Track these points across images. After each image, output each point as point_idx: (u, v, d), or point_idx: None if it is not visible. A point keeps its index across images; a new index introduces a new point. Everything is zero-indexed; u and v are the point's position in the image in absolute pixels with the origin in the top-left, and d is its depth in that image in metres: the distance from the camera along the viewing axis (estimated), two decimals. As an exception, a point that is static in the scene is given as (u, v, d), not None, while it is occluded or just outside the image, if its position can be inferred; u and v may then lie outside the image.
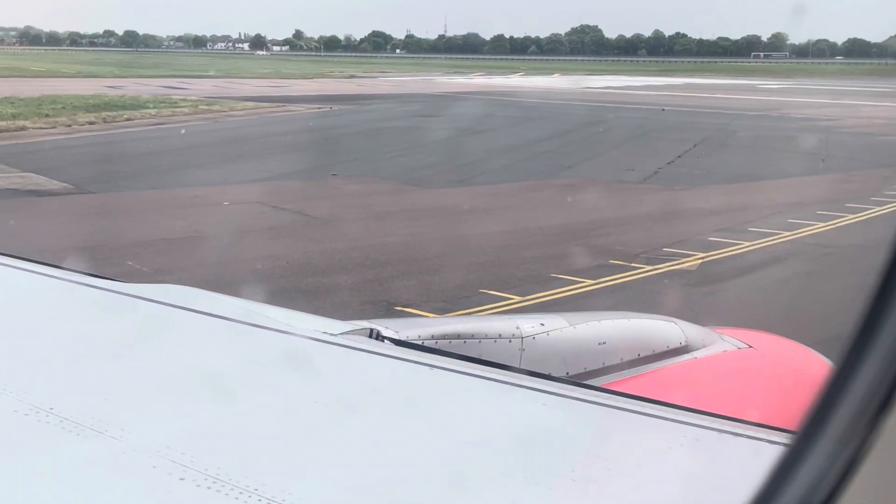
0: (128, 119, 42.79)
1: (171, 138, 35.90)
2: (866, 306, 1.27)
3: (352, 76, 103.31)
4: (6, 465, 2.09)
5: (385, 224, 18.93)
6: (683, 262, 15.50)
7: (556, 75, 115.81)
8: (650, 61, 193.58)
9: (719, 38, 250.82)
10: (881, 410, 1.23)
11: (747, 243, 17.04)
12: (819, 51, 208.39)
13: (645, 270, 14.95)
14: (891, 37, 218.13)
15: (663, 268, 15.19)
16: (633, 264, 15.28)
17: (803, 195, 23.09)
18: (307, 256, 15.55)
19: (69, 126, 38.89)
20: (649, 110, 53.72)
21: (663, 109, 54.02)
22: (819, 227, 18.70)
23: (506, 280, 14.16)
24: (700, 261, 15.63)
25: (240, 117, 47.09)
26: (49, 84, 65.42)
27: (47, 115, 41.24)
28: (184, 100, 55.19)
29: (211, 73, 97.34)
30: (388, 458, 2.17)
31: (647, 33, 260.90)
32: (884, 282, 1.27)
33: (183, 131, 38.08)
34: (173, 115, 45.97)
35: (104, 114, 43.55)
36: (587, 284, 13.93)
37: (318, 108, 53.51)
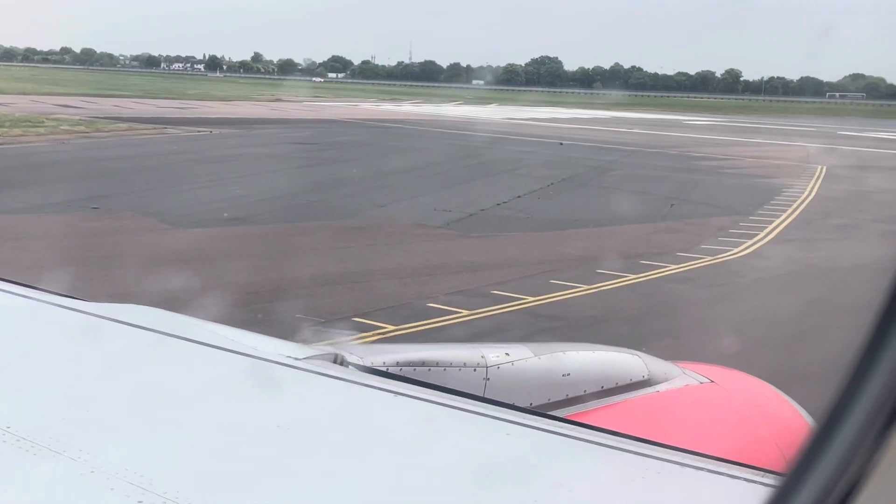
0: (-41, 139, 39.31)
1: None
2: (859, 350, 1.29)
3: (278, 99, 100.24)
4: None
5: (51, 273, 15.65)
6: (355, 338, 12.40)
7: (492, 105, 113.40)
8: (626, 94, 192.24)
9: (678, 74, 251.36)
10: (871, 457, 1.24)
11: (465, 312, 14.04)
12: (772, 88, 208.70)
13: (289, 350, 11.78)
14: (845, 76, 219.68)
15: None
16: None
17: (606, 247, 20.21)
18: None
19: None
20: (546, 144, 51.05)
21: (561, 143, 51.39)
22: (578, 290, 15.77)
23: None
24: (378, 336, 12.54)
25: (97, 139, 43.83)
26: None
27: None
28: (56, 119, 51.79)
29: (129, 93, 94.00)
30: (350, 485, 2.14)
31: (608, 66, 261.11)
32: (878, 324, 1.29)
33: (6, 153, 34.78)
34: (22, 135, 42.53)
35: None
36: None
37: (198, 132, 50.47)
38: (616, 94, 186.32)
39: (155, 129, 50.71)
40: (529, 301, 14.92)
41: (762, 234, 22.27)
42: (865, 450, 1.25)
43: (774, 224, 24.03)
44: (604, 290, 16.00)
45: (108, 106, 70.21)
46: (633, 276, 17.08)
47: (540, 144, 50.85)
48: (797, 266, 18.85)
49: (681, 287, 16.49)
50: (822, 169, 40.75)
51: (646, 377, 3.83)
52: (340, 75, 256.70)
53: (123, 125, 50.93)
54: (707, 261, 18.83)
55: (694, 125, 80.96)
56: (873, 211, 27.61)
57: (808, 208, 27.73)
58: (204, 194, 26.43)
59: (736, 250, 20.09)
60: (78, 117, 55.42)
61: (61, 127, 46.99)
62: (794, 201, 28.87)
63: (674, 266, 18.15)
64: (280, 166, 35.11)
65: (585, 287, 16.08)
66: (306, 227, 21.57)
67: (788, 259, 19.43)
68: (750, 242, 21.14)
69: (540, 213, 25.56)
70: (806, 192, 31.45)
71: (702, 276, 17.49)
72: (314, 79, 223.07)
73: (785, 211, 26.66)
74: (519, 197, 28.24)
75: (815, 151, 52.09)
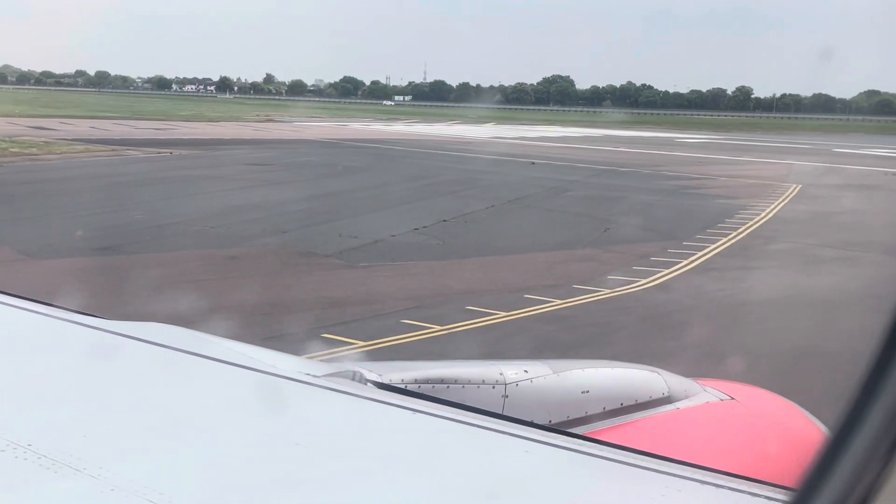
0: None
1: None
2: (868, 365, 1.30)
3: (269, 119, 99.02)
4: None
5: None
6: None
7: (489, 124, 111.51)
8: (642, 113, 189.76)
9: (690, 91, 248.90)
10: (880, 474, 1.26)
11: (268, 361, 11.93)
12: (784, 105, 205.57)
13: None
14: (860, 93, 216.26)
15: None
16: None
17: (500, 279, 18.20)
18: None
19: None
20: (518, 163, 48.99)
21: (533, 163, 49.36)
22: (424, 333, 13.77)
23: None
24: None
25: (42, 161, 42.23)
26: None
27: None
28: (15, 141, 50.37)
29: (118, 115, 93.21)
30: (368, 503, 2.14)
31: (621, 84, 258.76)
32: (886, 342, 1.29)
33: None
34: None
35: None
36: None
37: (157, 153, 48.84)
38: (622, 112, 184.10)
39: (113, 150, 49.19)
40: (356, 346, 12.87)
41: (684, 263, 20.09)
42: (876, 464, 1.25)
43: (706, 251, 21.84)
44: (454, 331, 13.94)
45: (84, 128, 68.94)
46: (502, 314, 15.02)
47: (510, 164, 48.80)
48: (698, 301, 16.66)
49: (545, 328, 14.36)
50: (795, 188, 38.53)
51: (665, 394, 3.76)
52: (408, 98, 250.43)
53: (80, 147, 49.46)
54: (601, 294, 16.72)
55: (685, 143, 78.60)
56: (825, 235, 25.34)
57: (754, 232, 25.51)
58: (98, 220, 24.57)
59: (643, 281, 17.94)
60: (42, 139, 54.10)
61: (10, 149, 45.52)
62: (744, 224, 26.65)
63: (559, 301, 16.04)
64: (212, 188, 33.25)
65: (437, 328, 14.06)
66: (175, 257, 19.62)
67: (694, 293, 17.26)
68: (665, 272, 18.98)
69: (456, 239, 23.52)
70: (762, 214, 29.19)
71: (581, 313, 15.35)
72: (385, 102, 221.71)
73: (727, 235, 24.45)
74: (444, 221, 26.21)
75: (799, 169, 49.74)
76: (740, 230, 25.56)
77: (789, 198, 34.83)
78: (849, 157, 61.63)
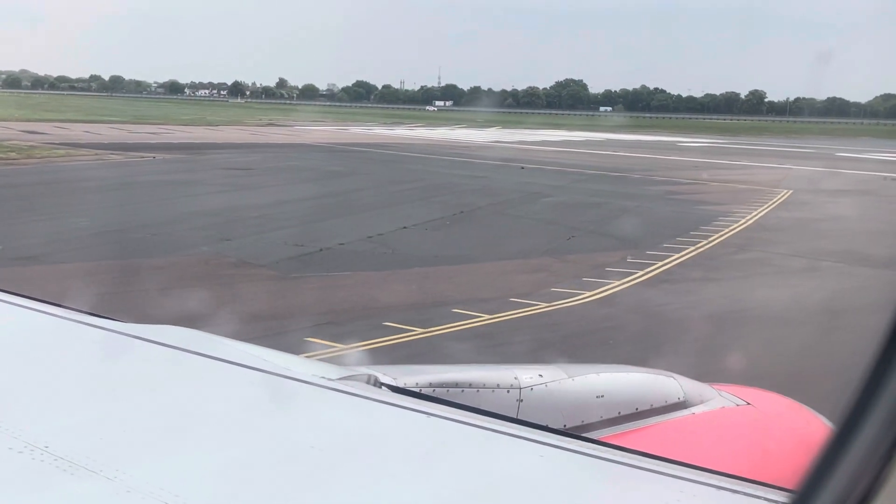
0: None
1: None
2: (868, 368, 1.30)
3: (271, 124, 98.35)
4: None
5: None
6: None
7: (493, 128, 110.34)
8: (652, 117, 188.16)
9: (705, 95, 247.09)
10: (880, 473, 1.27)
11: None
12: (797, 109, 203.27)
13: None
14: (876, 96, 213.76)
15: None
16: None
17: (436, 291, 17.18)
18: None
19: None
20: (507, 168, 47.87)
21: (522, 167, 48.22)
22: (324, 352, 12.61)
23: None
24: None
25: (17, 165, 41.66)
26: None
27: None
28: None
29: (118, 118, 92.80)
30: None
31: (639, 89, 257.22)
32: (886, 344, 1.30)
33: None
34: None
35: None
36: None
37: (140, 157, 48.06)
38: (630, 116, 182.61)
39: (96, 155, 48.40)
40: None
41: (639, 274, 18.89)
42: (876, 464, 1.25)
43: (667, 260, 20.61)
44: (373, 347, 12.85)
45: (78, 131, 68.33)
46: (419, 331, 13.92)
47: (498, 169, 47.68)
48: (636, 316, 15.44)
49: (457, 347, 13.22)
50: (786, 193, 37.20)
51: (681, 399, 3.71)
52: (449, 103, 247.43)
53: (62, 151, 48.70)
54: (536, 309, 15.56)
55: (687, 147, 77.18)
56: (799, 244, 24.06)
57: (726, 240, 24.24)
58: (38, 227, 23.63)
59: (585, 294, 16.76)
60: (29, 144, 53.50)
61: (-13, 153, 44.88)
62: (718, 232, 25.38)
63: (487, 316, 14.91)
64: (178, 194, 32.30)
65: (341, 347, 12.95)
66: (92, 268, 18.57)
67: (635, 307, 16.05)
68: (615, 283, 17.79)
69: (409, 247, 22.38)
70: (741, 222, 27.90)
71: (503, 331, 14.19)
72: (428, 108, 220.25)
73: (697, 244, 23.21)
74: (405, 228, 25.11)
75: (795, 174, 48.37)
76: (712, 238, 24.31)
77: (775, 204, 33.51)
78: (850, 161, 60.08)
